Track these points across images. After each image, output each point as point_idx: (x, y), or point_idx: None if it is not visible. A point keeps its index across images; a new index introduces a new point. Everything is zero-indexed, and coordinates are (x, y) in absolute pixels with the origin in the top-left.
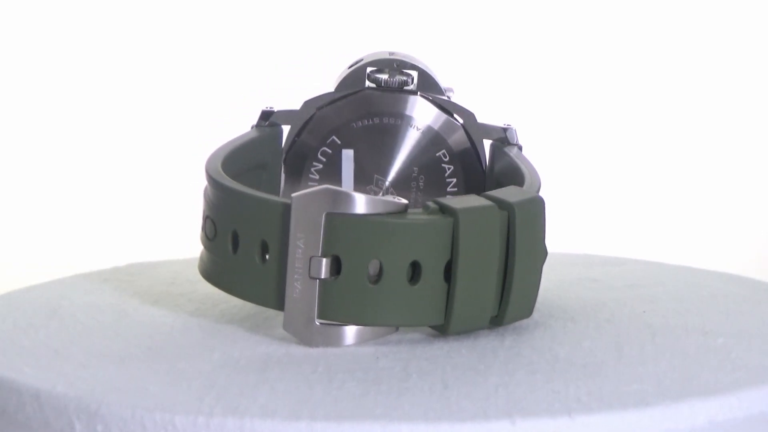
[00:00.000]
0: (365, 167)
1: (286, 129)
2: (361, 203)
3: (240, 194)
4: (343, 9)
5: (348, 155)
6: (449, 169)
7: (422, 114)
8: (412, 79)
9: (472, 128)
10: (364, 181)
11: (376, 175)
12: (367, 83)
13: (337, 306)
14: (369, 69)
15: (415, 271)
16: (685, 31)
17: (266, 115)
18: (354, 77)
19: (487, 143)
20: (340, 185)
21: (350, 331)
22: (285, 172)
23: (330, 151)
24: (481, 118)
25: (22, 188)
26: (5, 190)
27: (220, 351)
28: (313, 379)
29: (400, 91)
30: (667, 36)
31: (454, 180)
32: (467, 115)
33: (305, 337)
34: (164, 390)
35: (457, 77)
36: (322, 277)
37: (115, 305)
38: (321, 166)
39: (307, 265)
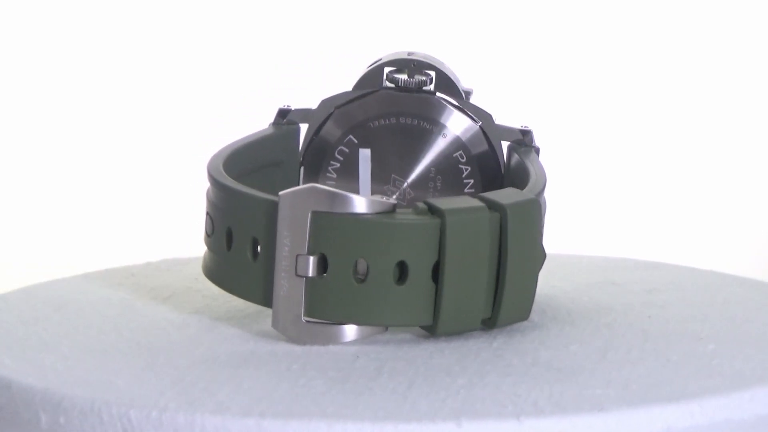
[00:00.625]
0: (382, 167)
1: (303, 128)
2: (347, 202)
3: (233, 191)
4: (347, 8)
5: (365, 155)
6: (466, 170)
7: (440, 115)
8: (431, 80)
9: (490, 129)
10: (382, 181)
11: (393, 175)
12: (386, 83)
13: (323, 304)
14: (387, 69)
15: (402, 271)
16: (686, 32)
17: (283, 113)
18: (371, 77)
19: (505, 145)
20: (358, 184)
21: (337, 330)
22: (303, 171)
23: (347, 150)
24: (500, 120)
25: (23, 189)
26: (7, 191)
27: (206, 347)
28: (283, 376)
29: (418, 91)
30: (670, 37)
31: (471, 181)
32: (485, 116)
33: (293, 335)
34: (131, 384)
35: (475, 78)
36: (309, 275)
37: (126, 300)
38: (338, 165)
39: (294, 263)
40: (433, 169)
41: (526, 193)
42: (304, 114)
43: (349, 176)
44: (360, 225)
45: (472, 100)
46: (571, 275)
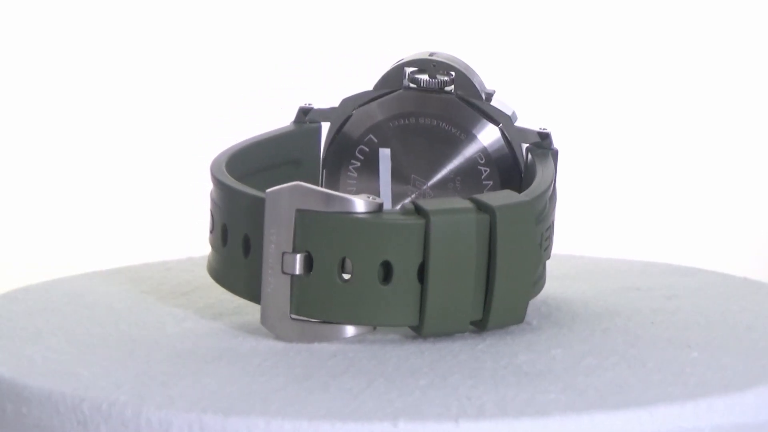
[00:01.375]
0: (402, 167)
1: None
2: (330, 201)
3: (227, 188)
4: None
5: (385, 154)
6: (485, 171)
7: (459, 116)
8: (451, 81)
9: (510, 131)
10: (402, 181)
11: (413, 176)
12: (406, 83)
13: (309, 303)
14: (408, 69)
15: (387, 271)
16: (687, 34)
17: (304, 112)
18: (393, 76)
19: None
20: (378, 184)
21: (324, 329)
22: (324, 170)
23: (367, 150)
24: (521, 120)
25: (26, 189)
26: (11, 191)
27: (192, 342)
28: (248, 373)
29: (438, 92)
30: (673, 39)
31: (491, 183)
32: (505, 118)
33: (280, 333)
34: (96, 376)
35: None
36: (295, 273)
37: (140, 296)
38: (359, 164)
39: (280, 260)
40: (452, 170)
41: (521, 196)
42: (326, 113)
43: (370, 175)
44: (344, 224)
45: (496, 101)
46: (600, 279)
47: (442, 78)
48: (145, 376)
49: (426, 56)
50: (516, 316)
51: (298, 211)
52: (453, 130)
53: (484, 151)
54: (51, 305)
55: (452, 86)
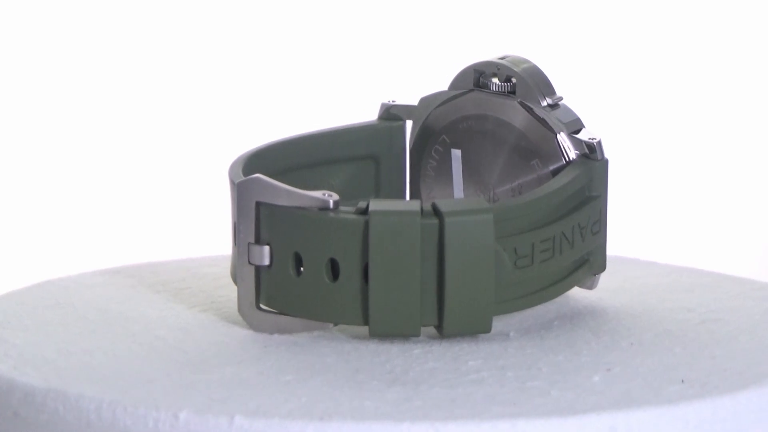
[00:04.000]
0: (472, 169)
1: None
2: (282, 195)
3: (230, 179)
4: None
5: (456, 155)
6: (542, 179)
7: (519, 121)
8: (513, 86)
9: (566, 140)
10: (473, 182)
11: (481, 179)
12: (475, 85)
13: (270, 294)
14: (478, 71)
15: (334, 268)
16: (689, 35)
17: (386, 108)
18: (464, 78)
19: None
20: (452, 184)
21: (283, 321)
22: (409, 168)
23: (441, 150)
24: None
25: (27, 189)
26: (12, 191)
27: (166, 330)
28: (183, 363)
29: (503, 96)
30: (675, 39)
31: None
32: (561, 126)
33: (251, 322)
34: (68, 368)
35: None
36: (257, 263)
37: (141, 295)
38: (435, 163)
39: (246, 251)
40: (513, 175)
41: (482, 203)
42: (407, 110)
43: (444, 175)
44: (296, 219)
45: (560, 108)
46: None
47: (503, 83)
48: (105, 368)
49: (496, 59)
50: (480, 325)
51: (258, 203)
52: (513, 136)
53: (540, 158)
54: (54, 304)
55: (514, 91)
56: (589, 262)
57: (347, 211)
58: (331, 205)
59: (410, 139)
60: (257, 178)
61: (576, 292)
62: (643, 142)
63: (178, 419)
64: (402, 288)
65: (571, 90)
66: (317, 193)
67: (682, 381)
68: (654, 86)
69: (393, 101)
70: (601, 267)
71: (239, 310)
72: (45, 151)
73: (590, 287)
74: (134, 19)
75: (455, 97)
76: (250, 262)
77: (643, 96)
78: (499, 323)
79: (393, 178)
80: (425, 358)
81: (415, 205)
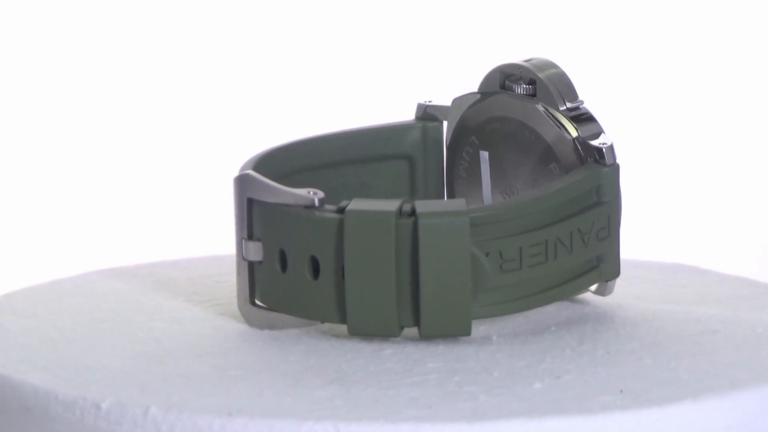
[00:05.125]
0: (497, 171)
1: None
2: (270, 192)
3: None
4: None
5: (484, 157)
6: None
7: (540, 125)
8: (534, 89)
9: (582, 144)
10: (500, 184)
11: (506, 180)
12: (501, 87)
13: (262, 290)
14: (504, 73)
15: (314, 265)
16: (688, 34)
17: (422, 108)
18: (491, 79)
19: None
20: (481, 185)
21: (273, 317)
22: (446, 168)
23: (471, 151)
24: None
25: (29, 189)
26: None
27: (161, 329)
28: (153, 358)
29: (525, 98)
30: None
31: None
32: (576, 130)
33: (246, 317)
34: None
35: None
36: (249, 259)
37: (148, 294)
38: (466, 165)
39: (241, 247)
40: (534, 178)
41: (460, 205)
42: (442, 110)
43: (475, 176)
44: (281, 216)
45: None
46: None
47: (525, 86)
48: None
49: (521, 61)
50: (459, 327)
51: (250, 199)
52: (533, 139)
53: (557, 162)
54: (59, 304)
55: (535, 94)
56: (598, 268)
57: (330, 209)
58: (316, 203)
59: (446, 139)
60: (247, 174)
61: (594, 298)
62: (643, 142)
63: (100, 409)
64: (377, 288)
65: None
66: (302, 191)
67: (621, 391)
68: (653, 86)
69: (429, 101)
70: (614, 273)
71: (238, 305)
72: (52, 150)
73: (603, 293)
74: (144, 17)
75: (483, 98)
76: (244, 258)
77: (642, 96)
78: (494, 326)
79: (430, 178)
80: (390, 358)
81: (393, 205)
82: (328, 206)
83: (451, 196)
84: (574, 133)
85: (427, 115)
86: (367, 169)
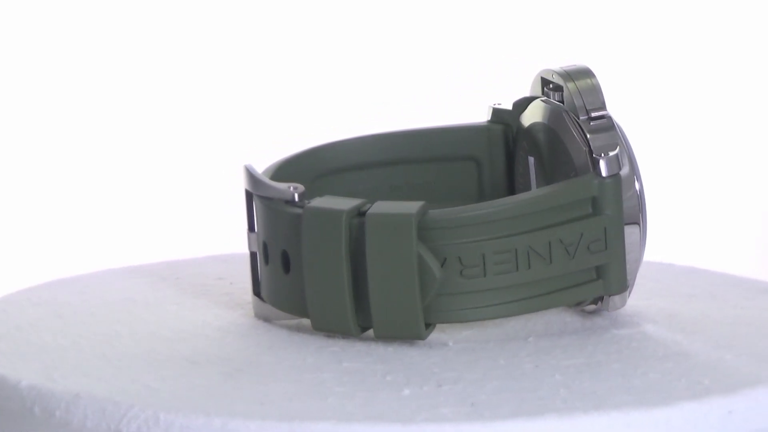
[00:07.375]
0: (540, 176)
1: None
2: (256, 185)
3: None
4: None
5: (531, 162)
6: None
7: (564, 133)
8: (562, 96)
9: (588, 153)
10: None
11: (545, 184)
12: (543, 93)
13: (256, 282)
14: (543, 79)
15: (284, 260)
16: (688, 34)
17: (493, 111)
18: (536, 85)
19: None
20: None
21: (267, 309)
22: (510, 171)
23: (523, 155)
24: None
25: (36, 188)
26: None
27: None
28: (157, 349)
29: (557, 105)
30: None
31: None
32: (587, 140)
33: (254, 309)
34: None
35: None
36: (251, 251)
37: (157, 293)
38: (522, 169)
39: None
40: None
41: (411, 207)
42: (510, 114)
43: (528, 179)
44: (263, 208)
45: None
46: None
47: (555, 93)
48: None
49: (557, 67)
50: (410, 331)
51: (247, 192)
52: (561, 147)
53: (576, 172)
54: (65, 304)
55: (563, 102)
56: (598, 281)
57: (300, 205)
58: (296, 198)
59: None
60: (244, 167)
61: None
62: (643, 142)
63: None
64: (330, 285)
65: None
66: (284, 185)
67: (540, 399)
68: (653, 86)
69: (498, 104)
70: (618, 288)
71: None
72: (62, 149)
73: (608, 309)
74: (160, 16)
75: (527, 103)
76: (249, 250)
77: (642, 96)
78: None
79: (497, 180)
80: (337, 357)
81: (349, 204)
82: (301, 202)
83: None
84: (586, 144)
85: (497, 117)
86: (432, 169)
